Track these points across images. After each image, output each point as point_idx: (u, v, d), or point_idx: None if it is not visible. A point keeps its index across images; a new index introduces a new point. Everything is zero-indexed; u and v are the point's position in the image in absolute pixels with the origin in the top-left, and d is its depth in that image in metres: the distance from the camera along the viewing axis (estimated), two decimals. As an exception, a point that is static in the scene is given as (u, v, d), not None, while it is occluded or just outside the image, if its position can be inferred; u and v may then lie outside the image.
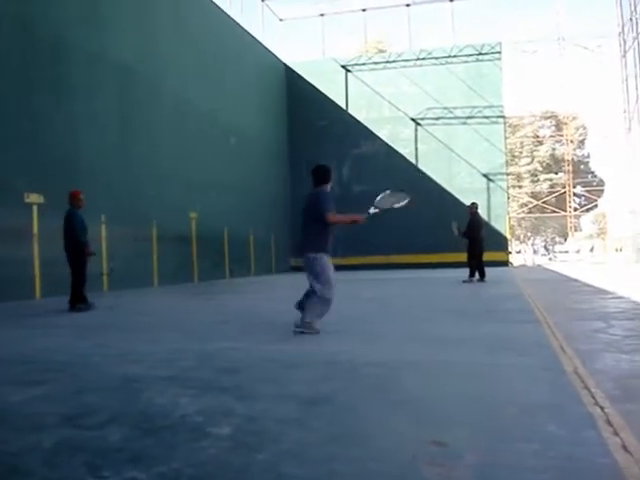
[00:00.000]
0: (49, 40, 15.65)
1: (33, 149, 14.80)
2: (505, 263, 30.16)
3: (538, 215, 55.67)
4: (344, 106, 32.74)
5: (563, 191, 48.45)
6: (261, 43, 30.72)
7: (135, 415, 3.60)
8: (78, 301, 10.90)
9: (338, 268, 27.21)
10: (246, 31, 28.71)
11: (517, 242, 65.77)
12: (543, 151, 61.95)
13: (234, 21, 27.40)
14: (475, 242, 17.26)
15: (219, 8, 25.84)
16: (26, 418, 3.64)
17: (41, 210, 14.57)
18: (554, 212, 46.63)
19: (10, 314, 11.16)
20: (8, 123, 14.28)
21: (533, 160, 61.72)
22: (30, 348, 6.64)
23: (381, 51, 43.17)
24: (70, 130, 16.13)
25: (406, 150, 32.00)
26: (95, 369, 5.20)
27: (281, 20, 35.16)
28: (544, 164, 61.55)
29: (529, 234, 70.07)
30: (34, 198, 14.44)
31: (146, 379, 4.67)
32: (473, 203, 17.90)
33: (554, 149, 62.01)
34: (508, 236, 31.43)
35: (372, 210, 7.89)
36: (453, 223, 17.56)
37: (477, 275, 17.23)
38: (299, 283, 20.81)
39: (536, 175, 61.19)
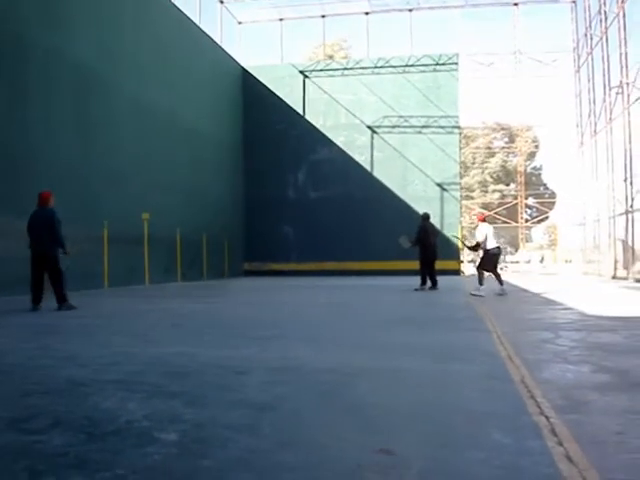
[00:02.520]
0: (3, 37, 15.36)
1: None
2: (457, 272, 30.47)
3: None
4: (301, 112, 32.78)
5: (515, 202, 49.11)
6: (219, 45, 30.60)
7: (80, 419, 3.54)
8: (65, 299, 11.08)
9: (293, 274, 27.28)
10: (204, 32, 28.56)
11: (469, 252, 66.37)
12: (494, 162, 62.66)
13: (192, 22, 27.26)
14: (426, 250, 17.34)
15: (178, 9, 25.68)
16: (-33, 421, 3.56)
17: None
18: (505, 223, 47.20)
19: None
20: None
21: (484, 171, 62.38)
22: (-26, 349, 6.50)
23: (340, 58, 43.29)
24: (23, 129, 15.86)
25: (362, 157, 32.15)
26: (40, 372, 5.11)
27: (240, 23, 35.06)
28: (494, 175, 62.29)
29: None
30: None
31: (92, 383, 4.60)
32: (424, 213, 18.10)
33: (505, 161, 62.77)
34: (460, 245, 31.74)
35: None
36: (402, 238, 17.90)
37: (429, 283, 17.34)
38: (252, 287, 20.79)
39: (486, 186, 61.86)
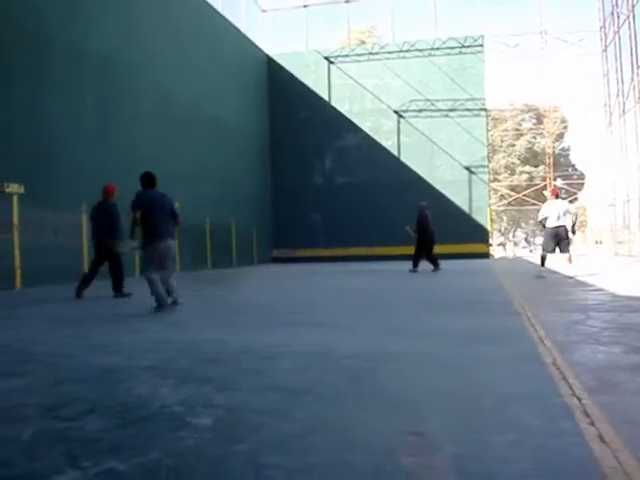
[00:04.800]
0: (28, 29, 15.47)
1: (12, 139, 14.67)
2: (486, 255, 30.34)
3: (518, 208, 55.86)
4: (327, 98, 32.70)
5: (543, 184, 48.64)
6: (243, 34, 30.58)
7: (114, 405, 3.59)
8: (121, 289, 11.48)
9: (321, 259, 27.32)
10: (228, 21, 28.55)
11: (498, 234, 65.99)
12: (519, 145, 62.09)
13: (216, 11, 27.25)
14: (424, 236, 18.39)
15: (201, -2, 25.72)
16: (4, 410, 3.62)
17: (21, 200, 14.43)
18: (534, 205, 46.82)
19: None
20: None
21: (510, 154, 61.85)
22: (8, 339, 6.60)
23: (364, 43, 43.08)
24: (50, 120, 16.00)
25: (388, 142, 32.05)
26: (74, 360, 5.17)
27: (264, 11, 35.00)
28: (521, 157, 61.71)
29: (509, 227, 70.31)
30: (14, 188, 14.29)
31: (126, 369, 4.66)
32: (423, 203, 19.08)
33: (532, 143, 62.16)
34: (489, 228, 31.57)
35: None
36: (407, 227, 19.02)
37: (430, 265, 18.46)
38: (281, 273, 20.81)
39: (513, 169, 61.33)
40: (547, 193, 15.89)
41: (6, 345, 6.13)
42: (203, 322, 7.77)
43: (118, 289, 11.48)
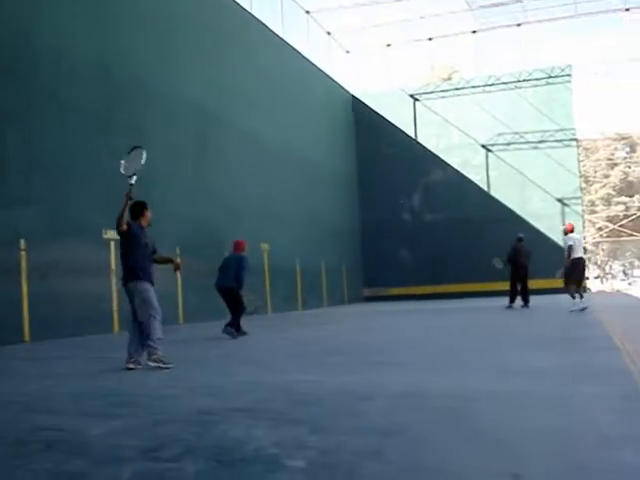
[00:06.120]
0: (126, 82, 16.25)
1: (110, 186, 15.23)
2: (583, 289, 29.47)
3: (615, 239, 54.23)
4: (413, 135, 32.72)
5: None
6: (329, 75, 30.99)
7: (210, 447, 3.62)
8: (237, 329, 12.09)
9: (412, 297, 27.06)
10: (314, 64, 29.02)
11: (595, 267, 64.10)
12: (614, 175, 60.42)
13: (302, 55, 27.77)
14: (517, 269, 17.95)
15: (288, 44, 26.29)
16: (105, 450, 3.69)
17: (117, 246, 14.92)
18: (632, 236, 45.40)
19: (87, 348, 11.45)
20: (87, 163, 14.84)
21: (605, 185, 60.23)
22: (106, 382, 6.77)
23: (449, 79, 43.03)
24: (145, 167, 16.53)
25: (477, 177, 31.76)
26: (169, 402, 5.27)
27: (347, 52, 35.44)
28: (617, 188, 59.98)
29: (606, 259, 68.24)
30: (111, 234, 14.80)
31: (220, 411, 4.71)
32: (519, 235, 18.85)
33: (627, 173, 60.44)
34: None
35: (132, 180, 8.31)
36: (495, 260, 18.90)
37: (519, 302, 18.04)
38: (370, 312, 20.74)
39: (609, 200, 59.66)
40: (564, 228, 16.84)
41: (105, 388, 6.29)
42: (294, 363, 7.80)
43: (236, 327, 12.11)
